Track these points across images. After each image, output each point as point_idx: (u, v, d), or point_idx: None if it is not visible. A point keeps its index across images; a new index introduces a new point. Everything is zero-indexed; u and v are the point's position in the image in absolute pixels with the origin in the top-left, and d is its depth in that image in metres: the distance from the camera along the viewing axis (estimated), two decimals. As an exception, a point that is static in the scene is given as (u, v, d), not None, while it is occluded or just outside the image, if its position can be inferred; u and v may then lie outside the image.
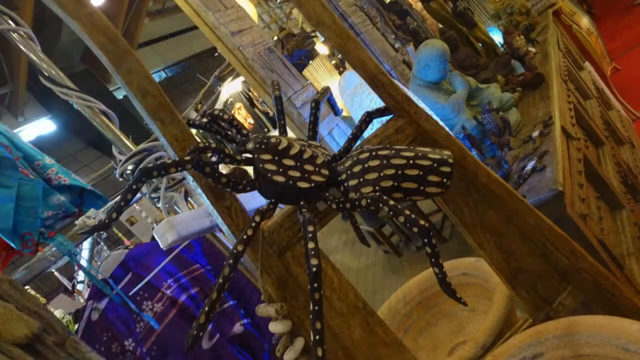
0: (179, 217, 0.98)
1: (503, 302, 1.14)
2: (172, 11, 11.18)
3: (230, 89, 7.60)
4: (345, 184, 0.74)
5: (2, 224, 1.14)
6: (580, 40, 3.97)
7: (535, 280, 0.92)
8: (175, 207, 1.22)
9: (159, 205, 1.13)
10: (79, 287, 2.86)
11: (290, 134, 2.44)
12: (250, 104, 7.44)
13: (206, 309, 0.62)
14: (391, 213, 0.64)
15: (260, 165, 0.73)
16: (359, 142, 0.92)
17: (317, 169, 0.76)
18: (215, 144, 0.73)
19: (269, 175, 0.73)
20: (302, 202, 0.74)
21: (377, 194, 0.67)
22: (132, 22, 9.46)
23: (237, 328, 1.44)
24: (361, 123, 0.89)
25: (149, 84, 0.80)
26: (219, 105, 7.69)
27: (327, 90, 0.98)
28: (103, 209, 1.32)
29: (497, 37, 3.19)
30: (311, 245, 0.65)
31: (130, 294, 1.39)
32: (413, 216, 0.63)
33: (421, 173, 0.71)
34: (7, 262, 1.32)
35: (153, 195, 1.17)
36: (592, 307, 0.91)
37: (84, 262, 1.67)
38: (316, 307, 0.62)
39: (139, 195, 1.23)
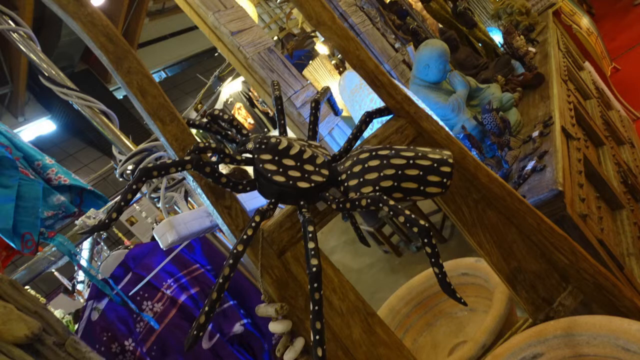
0: (179, 217, 0.98)
1: (503, 302, 1.15)
2: (172, 11, 11.19)
3: (230, 89, 7.60)
4: (345, 184, 0.74)
5: (2, 224, 1.14)
6: (580, 40, 3.97)
7: (535, 280, 0.92)
8: (175, 207, 1.22)
9: (159, 205, 1.13)
10: (79, 287, 2.86)
11: (290, 134, 2.44)
12: (250, 104, 7.44)
13: (206, 309, 0.62)
14: (391, 213, 0.64)
15: (260, 165, 0.73)
16: (359, 142, 0.92)
17: (317, 168, 0.76)
18: (215, 144, 0.73)
19: (269, 175, 0.73)
20: (302, 202, 0.74)
21: (377, 193, 0.67)
22: (132, 22, 9.47)
23: (237, 328, 1.44)
24: (361, 123, 0.89)
25: (149, 84, 0.80)
26: (219, 105, 7.70)
27: (327, 90, 0.98)
28: (103, 209, 1.32)
29: (497, 37, 3.19)
30: (311, 245, 0.65)
31: (130, 294, 1.39)
32: (413, 216, 0.63)
33: (421, 173, 0.71)
34: (7, 262, 1.32)
35: (153, 195, 1.17)
36: (592, 307, 0.91)
37: (84, 262, 1.67)
38: (316, 307, 0.62)
39: (139, 195, 1.23)
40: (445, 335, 1.43)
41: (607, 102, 3.30)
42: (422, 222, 0.62)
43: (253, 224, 0.70)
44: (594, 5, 6.30)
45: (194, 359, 1.37)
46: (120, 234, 3.46)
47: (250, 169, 1.27)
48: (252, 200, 1.06)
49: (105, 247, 2.18)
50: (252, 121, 7.51)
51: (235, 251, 0.66)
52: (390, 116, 0.95)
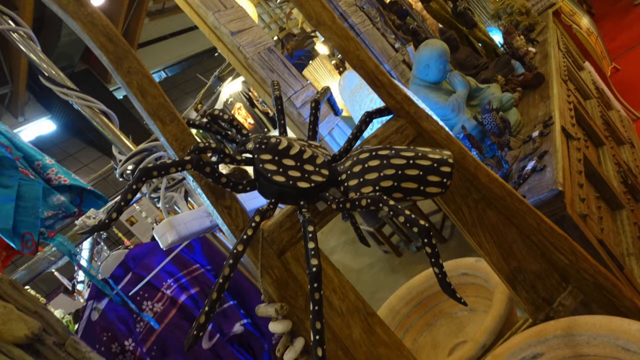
0: (179, 217, 0.98)
1: (503, 302, 1.15)
2: (172, 11, 11.19)
3: (230, 89, 7.60)
4: (345, 184, 0.74)
5: (2, 224, 1.14)
6: (580, 40, 3.97)
7: (535, 280, 0.92)
8: (175, 207, 1.22)
9: (159, 205, 1.13)
10: (79, 287, 2.86)
11: (290, 134, 2.44)
12: (250, 104, 7.44)
13: (206, 309, 0.62)
14: (391, 213, 0.64)
15: (260, 165, 0.73)
16: (359, 142, 0.92)
17: (317, 168, 0.76)
18: (215, 144, 0.73)
19: (269, 175, 0.73)
20: (302, 202, 0.74)
21: (377, 193, 0.67)
22: (132, 22, 9.47)
23: (237, 328, 1.44)
24: (361, 123, 0.89)
25: (149, 84, 0.80)
26: (219, 105, 7.70)
27: (327, 90, 0.98)
28: (103, 209, 1.32)
29: (497, 37, 3.19)
30: (311, 245, 0.65)
31: (130, 294, 1.39)
32: (413, 216, 0.63)
33: (421, 173, 0.71)
34: (7, 262, 1.32)
35: (153, 195, 1.17)
36: (592, 307, 0.91)
37: (84, 262, 1.67)
38: (316, 307, 0.62)
39: (139, 195, 1.23)
40: (445, 335, 1.43)
41: (607, 102, 3.30)
42: (422, 222, 0.62)
43: (253, 224, 0.70)
44: (594, 5, 6.30)
45: (194, 359, 1.37)
46: (120, 234, 3.46)
47: (250, 169, 1.27)
48: (252, 200, 1.06)
49: (105, 247, 2.18)
50: (252, 121, 7.51)
51: (235, 251, 0.66)
52: (390, 116, 0.95)
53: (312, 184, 0.74)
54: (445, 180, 0.72)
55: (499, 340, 1.07)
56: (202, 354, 1.37)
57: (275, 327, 0.72)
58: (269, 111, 7.31)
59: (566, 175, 1.42)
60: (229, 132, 0.85)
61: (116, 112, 1.29)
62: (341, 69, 5.72)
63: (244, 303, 1.52)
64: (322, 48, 5.74)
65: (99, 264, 1.54)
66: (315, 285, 0.62)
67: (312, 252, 0.64)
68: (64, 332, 0.76)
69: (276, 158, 0.74)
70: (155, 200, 1.16)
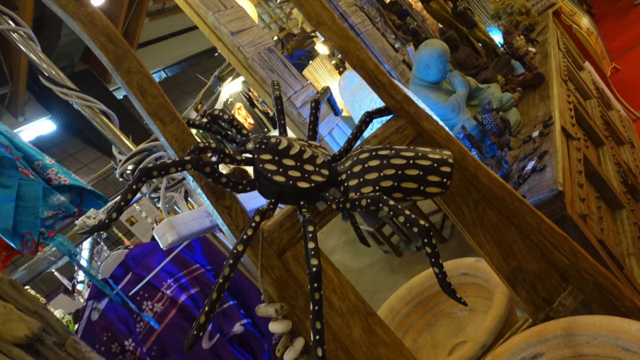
0: (179, 217, 0.98)
1: (503, 302, 1.15)
2: (172, 11, 11.19)
3: (230, 89, 7.60)
4: (345, 184, 0.74)
5: (2, 224, 1.14)
6: (580, 40, 3.97)
7: (535, 280, 0.92)
8: (175, 207, 1.22)
9: (159, 205, 1.13)
10: (79, 287, 2.86)
11: (290, 134, 2.44)
12: (250, 104, 7.44)
13: (206, 309, 0.62)
14: (391, 213, 0.64)
15: (260, 165, 0.73)
16: (359, 142, 0.92)
17: (317, 168, 0.76)
18: (215, 144, 0.73)
19: (269, 175, 0.73)
20: (302, 202, 0.74)
21: (377, 193, 0.67)
22: (132, 22, 9.47)
23: (237, 328, 1.44)
24: (361, 123, 0.89)
25: (149, 84, 0.80)
26: (219, 105, 7.70)
27: (327, 90, 0.98)
28: (103, 209, 1.32)
29: (497, 37, 3.19)
30: (311, 245, 0.65)
31: (130, 294, 1.39)
32: (413, 216, 0.63)
33: (421, 173, 0.71)
34: (7, 262, 1.32)
35: (153, 195, 1.17)
36: (592, 307, 0.91)
37: (84, 262, 1.67)
38: (316, 307, 0.62)
39: (139, 195, 1.23)
40: (445, 335, 1.43)
41: (607, 102, 3.30)
42: (422, 222, 0.62)
43: (253, 224, 0.70)
44: (594, 5, 6.31)
45: (194, 359, 1.37)
46: (120, 234, 3.46)
47: (250, 169, 1.28)
48: (252, 200, 1.06)
49: (105, 247, 2.18)
50: (252, 121, 7.51)
51: (235, 251, 0.66)
52: (390, 116, 0.95)
53: (312, 184, 0.74)
54: (445, 180, 0.72)
55: (499, 340, 1.07)
56: (202, 354, 1.37)
57: (275, 327, 0.72)
58: (269, 111, 7.31)
59: (566, 175, 1.42)
60: (229, 132, 0.85)
61: (116, 112, 1.29)
62: (341, 69, 5.72)
63: (244, 303, 1.52)
64: (322, 48, 5.74)
65: (99, 264, 1.54)
66: (315, 285, 0.62)
67: (312, 252, 0.64)
68: (64, 332, 0.76)
69: (276, 158, 0.74)
70: (155, 200, 1.16)
